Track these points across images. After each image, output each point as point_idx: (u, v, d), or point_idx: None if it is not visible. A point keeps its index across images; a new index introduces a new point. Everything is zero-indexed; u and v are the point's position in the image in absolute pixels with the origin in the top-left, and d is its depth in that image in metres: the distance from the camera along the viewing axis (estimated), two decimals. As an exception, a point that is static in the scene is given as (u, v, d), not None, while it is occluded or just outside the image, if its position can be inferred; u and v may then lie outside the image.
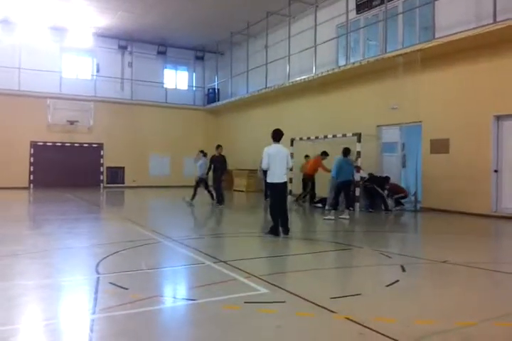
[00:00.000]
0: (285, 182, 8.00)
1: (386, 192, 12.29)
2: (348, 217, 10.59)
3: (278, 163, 7.85)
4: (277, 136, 8.06)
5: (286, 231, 7.99)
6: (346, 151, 11.09)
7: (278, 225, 8.00)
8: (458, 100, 11.72)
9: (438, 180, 12.02)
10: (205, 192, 13.75)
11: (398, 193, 12.47)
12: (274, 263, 6.14)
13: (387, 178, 12.56)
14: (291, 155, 11.63)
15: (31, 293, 4.48)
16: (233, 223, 10.63)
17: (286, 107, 18.33)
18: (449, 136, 11.91)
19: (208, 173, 13.38)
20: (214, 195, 13.44)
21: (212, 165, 13.24)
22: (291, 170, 14.33)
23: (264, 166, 7.99)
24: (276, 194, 8.09)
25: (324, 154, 13.65)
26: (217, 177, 13.22)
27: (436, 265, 5.87)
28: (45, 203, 14.68)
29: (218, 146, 13.59)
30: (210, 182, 13.60)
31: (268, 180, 8.07)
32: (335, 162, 11.33)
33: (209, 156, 13.78)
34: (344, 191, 11.10)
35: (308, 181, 14.23)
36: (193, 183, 14.09)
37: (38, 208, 13.74)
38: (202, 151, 14.20)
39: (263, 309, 3.90)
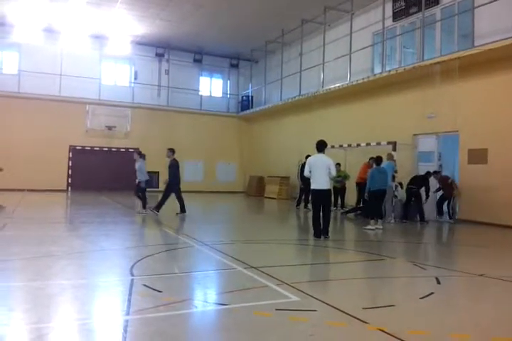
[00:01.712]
0: (326, 190, 8.56)
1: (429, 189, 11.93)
2: (381, 227, 10.41)
3: (319, 171, 8.43)
4: (320, 146, 8.69)
5: (326, 233, 8.53)
6: (378, 160, 10.90)
7: (318, 231, 8.56)
8: (497, 109, 11.40)
9: (476, 191, 11.69)
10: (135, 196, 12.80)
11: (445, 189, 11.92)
12: (305, 272, 6.10)
13: (427, 174, 12.04)
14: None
15: (67, 293, 4.60)
16: (264, 230, 10.61)
17: (319, 115, 18.25)
18: (487, 146, 11.59)
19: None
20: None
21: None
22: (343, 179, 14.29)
23: (305, 173, 8.71)
24: (317, 200, 8.66)
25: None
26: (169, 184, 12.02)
27: (472, 278, 5.71)
28: (82, 206, 15.06)
29: (169, 150, 12.34)
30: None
31: (311, 187, 8.70)
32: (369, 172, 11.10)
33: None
34: (377, 200, 10.76)
35: (360, 189, 13.17)
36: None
37: (75, 210, 14.11)
38: (139, 153, 12.99)
39: (295, 317, 3.88)
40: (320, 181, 8.45)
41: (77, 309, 4.14)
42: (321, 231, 8.52)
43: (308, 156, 13.64)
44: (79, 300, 4.38)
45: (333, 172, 8.55)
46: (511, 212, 10.87)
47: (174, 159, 12.25)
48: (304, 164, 13.85)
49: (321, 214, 8.59)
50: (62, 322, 3.73)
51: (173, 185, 12.09)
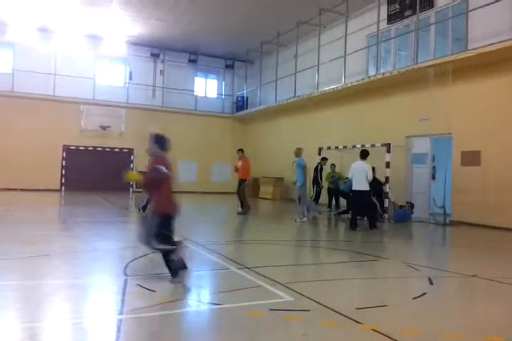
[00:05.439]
0: (362, 191, 10.27)
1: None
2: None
3: (356, 175, 10.36)
4: (362, 154, 10.55)
5: (372, 226, 10.38)
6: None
7: (355, 221, 10.35)
8: (490, 112, 11.48)
9: (469, 193, 11.74)
10: None
11: None
12: (299, 272, 6.12)
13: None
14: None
15: (60, 293, 4.58)
16: (259, 230, 10.63)
17: (314, 116, 18.29)
18: (480, 148, 11.66)
19: None
20: None
21: None
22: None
23: (349, 176, 10.75)
24: (354, 197, 10.62)
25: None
26: None
27: (465, 279, 5.75)
28: (75, 206, 15.00)
29: None
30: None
31: (353, 188, 10.52)
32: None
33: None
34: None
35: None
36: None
37: (68, 210, 14.05)
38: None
39: (288, 316, 3.89)
40: (356, 183, 10.30)
41: (70, 308, 4.13)
42: (356, 225, 10.24)
43: (324, 158, 15.04)
44: (72, 299, 4.37)
45: (370, 177, 10.15)
46: (504, 213, 10.95)
47: None
48: (318, 167, 14.78)
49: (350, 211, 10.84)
50: (55, 322, 3.72)
51: None
